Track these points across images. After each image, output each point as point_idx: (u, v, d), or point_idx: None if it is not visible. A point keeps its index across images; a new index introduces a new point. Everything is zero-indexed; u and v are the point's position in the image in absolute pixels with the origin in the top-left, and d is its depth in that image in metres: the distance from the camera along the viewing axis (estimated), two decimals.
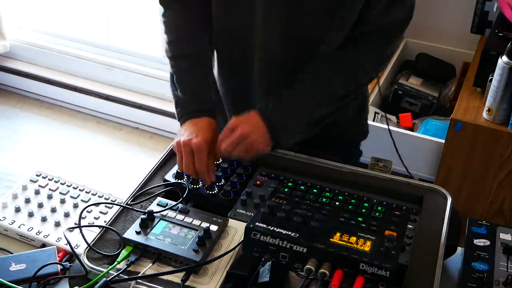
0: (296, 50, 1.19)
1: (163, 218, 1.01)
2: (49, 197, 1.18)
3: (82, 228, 1.00)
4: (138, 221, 0.99)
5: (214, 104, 1.22)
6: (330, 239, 0.89)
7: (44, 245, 1.09)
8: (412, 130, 2.15)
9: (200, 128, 1.13)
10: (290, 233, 0.90)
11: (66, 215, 1.14)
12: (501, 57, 1.72)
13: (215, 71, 1.33)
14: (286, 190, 1.03)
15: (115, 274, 0.91)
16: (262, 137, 1.10)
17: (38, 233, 1.10)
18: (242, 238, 0.95)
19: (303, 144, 1.20)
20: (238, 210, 1.07)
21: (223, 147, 1.08)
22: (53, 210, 1.15)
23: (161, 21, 1.28)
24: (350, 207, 1.00)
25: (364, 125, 1.45)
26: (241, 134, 1.08)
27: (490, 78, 1.80)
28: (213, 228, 0.99)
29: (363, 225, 0.94)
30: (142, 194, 1.10)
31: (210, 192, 1.11)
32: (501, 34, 1.96)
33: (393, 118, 2.23)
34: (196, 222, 1.01)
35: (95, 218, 1.13)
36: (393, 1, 1.13)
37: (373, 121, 2.09)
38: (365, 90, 1.41)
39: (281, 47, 1.19)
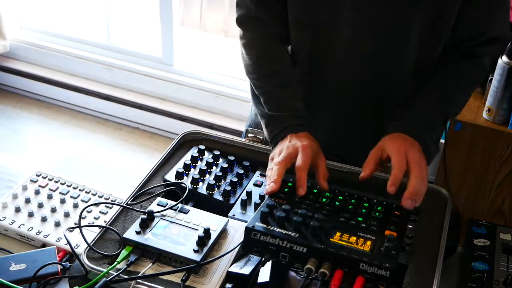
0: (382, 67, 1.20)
1: (163, 218, 1.01)
2: (49, 197, 1.18)
3: (82, 228, 1.00)
4: (138, 221, 0.99)
5: (307, 120, 1.16)
6: (330, 239, 0.89)
7: (44, 245, 1.09)
8: None
9: (304, 137, 1.09)
10: (290, 233, 0.90)
11: (66, 215, 1.14)
12: (501, 57, 1.72)
13: None
14: (286, 190, 1.03)
15: (115, 274, 0.91)
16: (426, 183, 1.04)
17: (38, 233, 1.10)
18: (242, 238, 0.95)
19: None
20: (238, 210, 1.07)
21: (405, 203, 0.99)
22: (53, 210, 1.15)
23: (240, 43, 1.25)
24: (350, 207, 1.00)
25: None
26: (416, 192, 0.99)
27: (490, 78, 1.80)
28: (213, 228, 0.99)
29: (363, 225, 0.94)
30: (142, 194, 1.10)
31: (210, 192, 1.11)
32: None
33: None
34: (196, 222, 1.01)
35: (95, 218, 1.13)
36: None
37: None
38: None
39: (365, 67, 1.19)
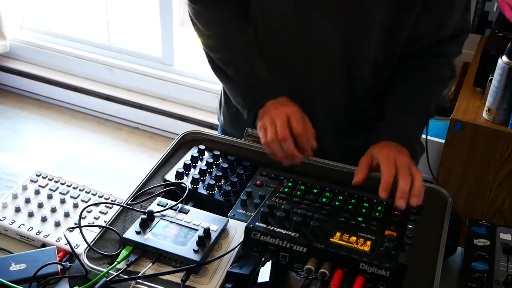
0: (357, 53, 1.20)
1: (163, 218, 1.01)
2: (49, 197, 1.18)
3: (82, 228, 1.00)
4: (138, 221, 0.99)
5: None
6: (330, 239, 0.89)
7: (44, 245, 1.09)
8: None
9: (286, 101, 1.13)
10: (290, 233, 0.90)
11: (66, 215, 1.14)
12: (501, 57, 1.72)
13: None
14: (286, 190, 1.03)
15: (115, 274, 0.91)
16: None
17: (38, 233, 1.10)
18: (242, 238, 0.95)
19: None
20: (238, 210, 1.07)
21: (399, 203, 1.01)
22: (53, 210, 1.15)
23: (195, 22, 1.25)
24: (350, 207, 1.00)
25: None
26: (405, 191, 1.03)
27: (490, 78, 1.80)
28: (213, 228, 0.99)
29: (363, 225, 0.94)
30: (142, 194, 1.10)
31: (210, 192, 1.11)
32: (501, 34, 1.96)
33: None
34: (196, 222, 1.01)
35: (95, 218, 1.13)
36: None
37: None
38: None
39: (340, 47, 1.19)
